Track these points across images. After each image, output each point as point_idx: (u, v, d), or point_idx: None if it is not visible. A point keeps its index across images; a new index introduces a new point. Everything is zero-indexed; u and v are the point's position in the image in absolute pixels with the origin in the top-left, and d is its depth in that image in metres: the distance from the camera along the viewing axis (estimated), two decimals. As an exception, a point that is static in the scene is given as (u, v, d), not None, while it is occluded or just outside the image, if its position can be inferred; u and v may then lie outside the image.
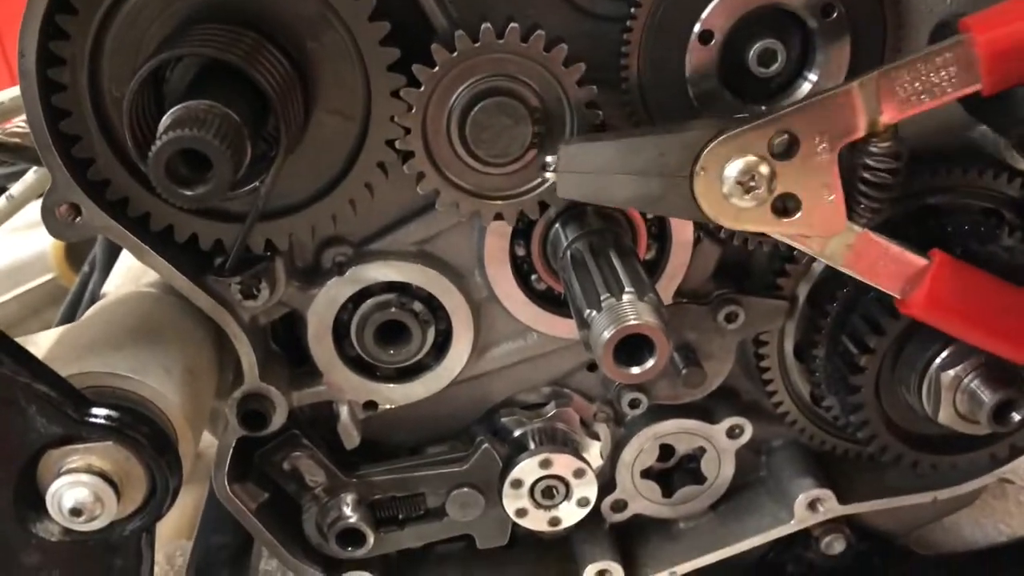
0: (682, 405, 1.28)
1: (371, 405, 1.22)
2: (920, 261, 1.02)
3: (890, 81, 0.92)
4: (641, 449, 1.30)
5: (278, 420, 1.15)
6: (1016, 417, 1.10)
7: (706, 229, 1.18)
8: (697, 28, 1.03)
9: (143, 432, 0.96)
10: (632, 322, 0.93)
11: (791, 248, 1.17)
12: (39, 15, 0.93)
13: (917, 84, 0.91)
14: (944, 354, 1.12)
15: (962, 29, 0.92)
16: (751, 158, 0.93)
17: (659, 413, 1.28)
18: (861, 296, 1.17)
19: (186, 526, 1.55)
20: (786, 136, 0.93)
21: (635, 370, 0.95)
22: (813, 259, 1.21)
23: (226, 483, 1.17)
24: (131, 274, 1.22)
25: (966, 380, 1.11)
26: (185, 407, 1.03)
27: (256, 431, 1.16)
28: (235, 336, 1.10)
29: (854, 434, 1.25)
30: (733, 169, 0.93)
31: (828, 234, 0.98)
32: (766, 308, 1.22)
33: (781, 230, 0.97)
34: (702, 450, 1.31)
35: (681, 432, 1.30)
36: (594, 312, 0.96)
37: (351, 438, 1.22)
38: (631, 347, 0.95)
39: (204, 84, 0.92)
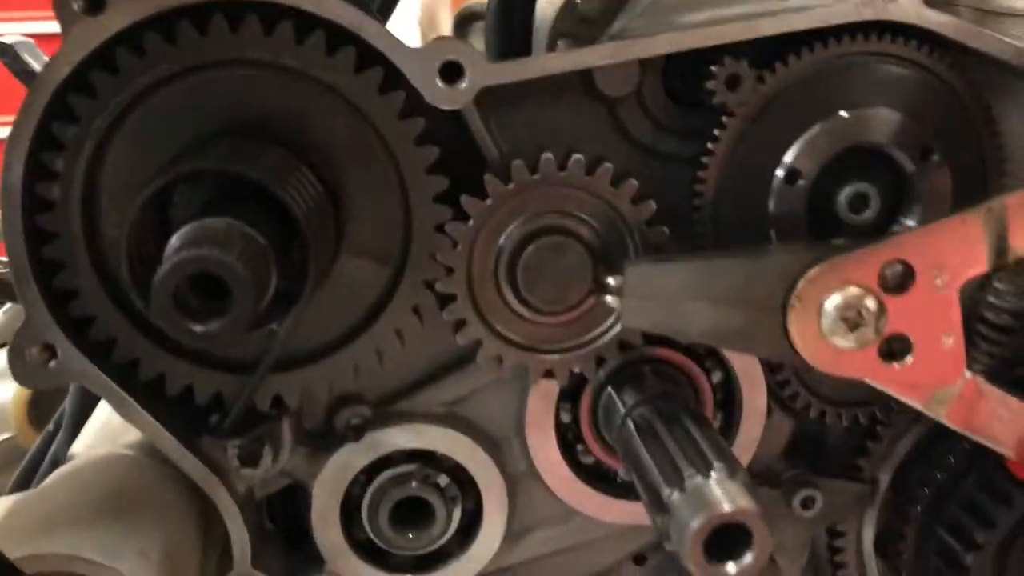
0: (745, 606, 1.09)
1: (382, 600, 1.02)
2: None
3: (1023, 207, 0.80)
4: (696, 659, 1.09)
5: (272, 616, 0.95)
6: None
7: (777, 398, 1.03)
8: (782, 168, 0.92)
9: (108, 634, 0.76)
10: (726, 508, 0.76)
11: (873, 423, 1.05)
12: (33, 122, 0.80)
13: None
14: (1071, 549, 0.95)
15: None
16: (857, 290, 0.80)
17: (718, 616, 1.09)
18: (959, 480, 1.02)
19: None
20: (899, 266, 0.81)
21: (731, 568, 0.77)
22: (897, 438, 1.06)
23: None
24: (107, 431, 1.03)
25: (1099, 583, 0.94)
26: (161, 600, 0.83)
27: (244, 629, 0.95)
28: (226, 511, 0.93)
29: (951, 646, 1.06)
30: (835, 302, 0.80)
31: (942, 384, 0.84)
32: (847, 492, 1.06)
33: (887, 377, 0.83)
34: (767, 661, 1.11)
35: (744, 639, 1.10)
36: (675, 493, 0.80)
37: (356, 641, 1.01)
38: (718, 538, 0.78)
39: (220, 206, 0.77)
